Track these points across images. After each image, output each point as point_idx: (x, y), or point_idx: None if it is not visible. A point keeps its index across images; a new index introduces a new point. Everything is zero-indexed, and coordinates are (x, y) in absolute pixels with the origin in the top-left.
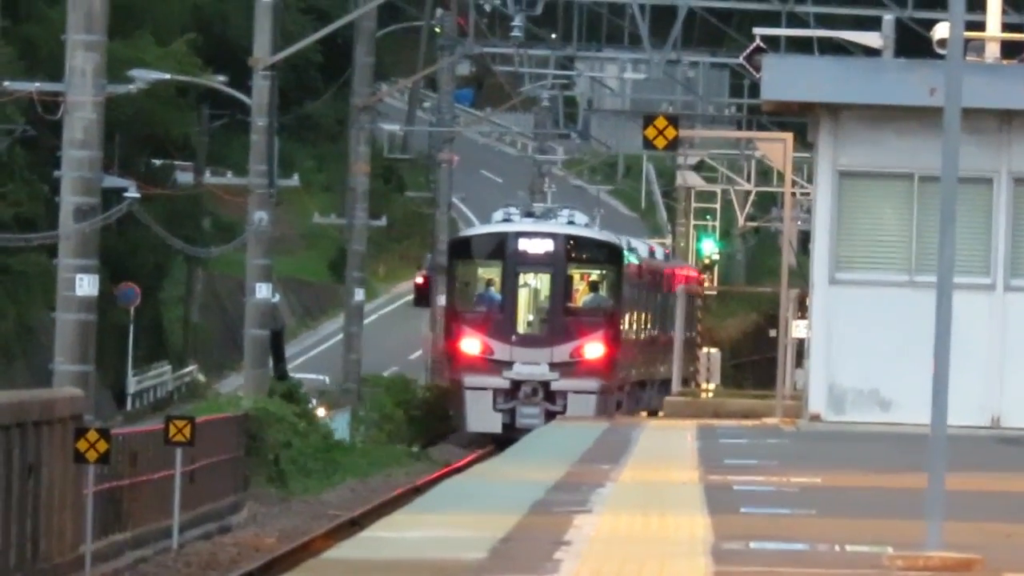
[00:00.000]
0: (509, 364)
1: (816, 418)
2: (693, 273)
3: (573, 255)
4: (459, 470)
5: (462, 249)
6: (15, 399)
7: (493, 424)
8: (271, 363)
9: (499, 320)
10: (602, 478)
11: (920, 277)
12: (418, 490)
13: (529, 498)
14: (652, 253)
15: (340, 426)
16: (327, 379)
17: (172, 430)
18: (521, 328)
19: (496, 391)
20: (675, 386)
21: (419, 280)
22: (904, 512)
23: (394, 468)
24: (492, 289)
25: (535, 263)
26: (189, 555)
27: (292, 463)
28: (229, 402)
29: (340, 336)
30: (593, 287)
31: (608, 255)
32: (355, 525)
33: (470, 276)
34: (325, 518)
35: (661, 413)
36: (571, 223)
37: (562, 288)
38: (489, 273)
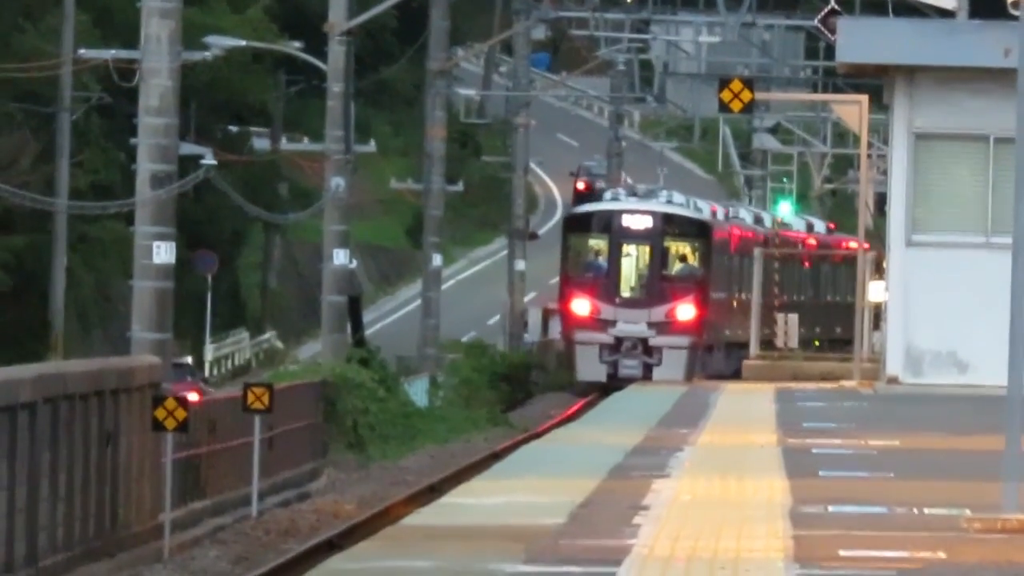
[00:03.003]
0: (613, 323)
1: (894, 380)
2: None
3: (668, 230)
4: (538, 435)
5: (575, 224)
6: (93, 368)
7: (599, 374)
8: (349, 329)
9: (605, 285)
10: (680, 442)
11: (997, 238)
12: (497, 456)
13: (608, 462)
14: (759, 220)
15: (419, 392)
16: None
17: (250, 397)
18: (624, 292)
19: (602, 346)
20: (753, 349)
21: (580, 185)
22: (981, 474)
23: (473, 433)
24: (600, 258)
25: (636, 236)
26: (268, 522)
27: (370, 429)
28: (307, 369)
29: (418, 302)
30: (684, 258)
31: (699, 230)
32: (434, 491)
33: (581, 247)
34: (404, 484)
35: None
36: (669, 202)
37: (659, 258)
38: (597, 245)
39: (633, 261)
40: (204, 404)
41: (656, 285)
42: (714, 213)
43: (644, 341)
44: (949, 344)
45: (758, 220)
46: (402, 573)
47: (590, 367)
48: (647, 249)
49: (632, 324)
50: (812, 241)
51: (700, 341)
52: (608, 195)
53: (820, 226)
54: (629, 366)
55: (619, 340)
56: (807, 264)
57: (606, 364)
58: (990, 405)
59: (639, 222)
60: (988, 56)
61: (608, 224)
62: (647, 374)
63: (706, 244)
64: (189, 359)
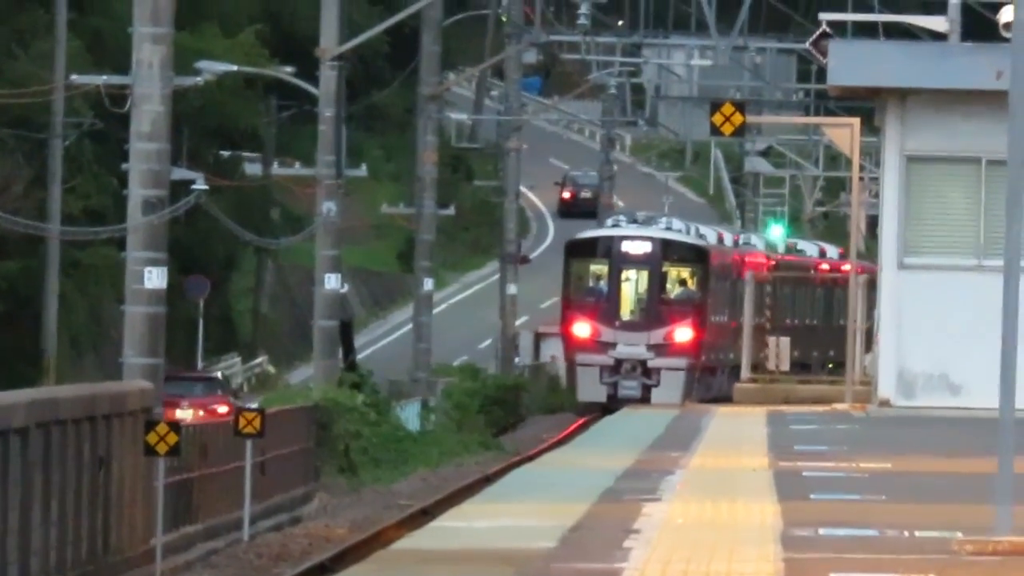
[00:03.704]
0: (613, 345)
1: (886, 403)
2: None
3: (667, 255)
4: (530, 459)
5: (577, 248)
6: (85, 393)
7: (599, 394)
8: (341, 353)
9: (606, 308)
10: (672, 465)
11: (989, 261)
12: (488, 479)
13: (599, 486)
14: (737, 242)
15: (410, 416)
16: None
17: (242, 422)
18: (624, 315)
19: (602, 367)
20: (744, 372)
21: (566, 195)
22: (974, 497)
23: (464, 457)
24: (601, 283)
25: (635, 261)
26: (260, 546)
27: (362, 453)
28: (299, 393)
29: (409, 326)
30: (683, 282)
31: (696, 255)
32: (426, 515)
33: (583, 271)
34: (396, 508)
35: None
36: (668, 228)
37: (658, 282)
38: (598, 269)
39: (633, 285)
40: (196, 428)
41: (655, 309)
42: (721, 239)
43: (643, 363)
44: (941, 367)
45: (770, 247)
46: None
47: (591, 388)
48: (646, 274)
49: (632, 346)
50: (825, 267)
51: (698, 363)
52: (609, 222)
53: (832, 251)
54: (628, 387)
55: (619, 362)
56: (806, 288)
57: (606, 385)
58: (983, 428)
59: (639, 248)
60: (980, 79)
61: (608, 249)
62: (646, 395)
63: (704, 269)
64: (220, 373)
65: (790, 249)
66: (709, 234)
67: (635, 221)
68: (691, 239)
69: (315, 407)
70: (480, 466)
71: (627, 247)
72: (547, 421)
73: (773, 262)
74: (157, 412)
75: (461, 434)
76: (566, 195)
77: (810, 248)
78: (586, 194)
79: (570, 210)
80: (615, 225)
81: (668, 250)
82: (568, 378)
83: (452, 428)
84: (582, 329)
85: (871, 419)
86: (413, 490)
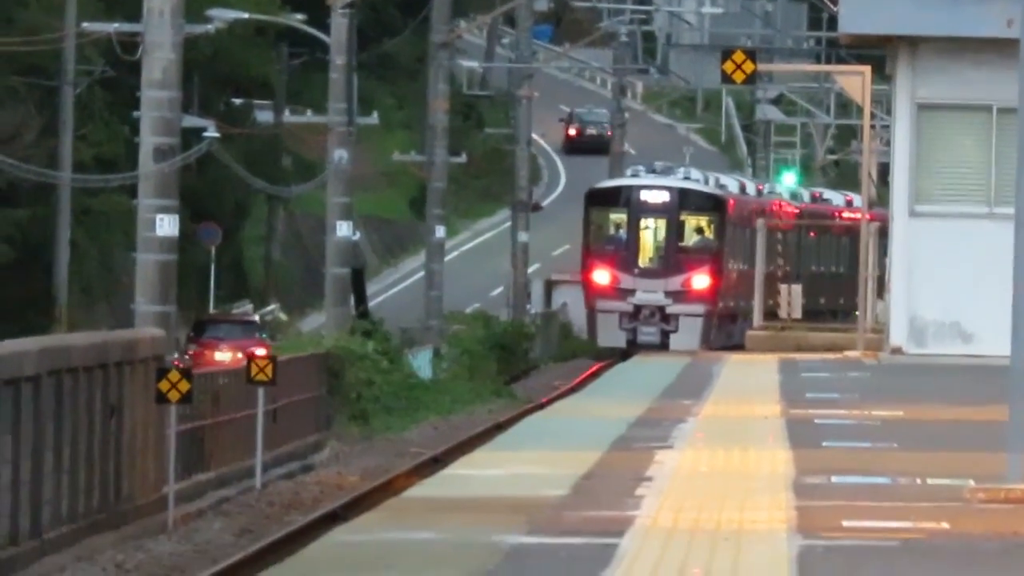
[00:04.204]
0: (632, 292)
1: (897, 351)
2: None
3: (684, 204)
4: (542, 407)
5: (596, 198)
6: (97, 340)
7: (619, 340)
8: (353, 301)
9: (625, 256)
10: (684, 413)
11: (1000, 209)
12: (500, 427)
13: (611, 434)
14: (760, 192)
15: (422, 364)
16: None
17: (254, 369)
18: (643, 263)
19: (622, 313)
20: (756, 320)
21: (572, 132)
22: (985, 445)
23: (476, 405)
24: (620, 231)
25: (654, 210)
26: (272, 494)
27: (374, 401)
28: (311, 341)
29: (421, 274)
30: (700, 231)
31: (713, 205)
32: (437, 463)
33: (602, 220)
34: (407, 456)
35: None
36: (686, 178)
37: (675, 231)
38: (617, 218)
39: (651, 234)
40: (207, 376)
41: (673, 256)
42: (743, 188)
43: (662, 309)
44: (953, 314)
45: (795, 196)
46: (405, 545)
47: (611, 334)
48: (664, 222)
49: (650, 293)
50: (848, 215)
51: (715, 309)
52: (629, 172)
53: (859, 201)
54: (648, 333)
55: (638, 308)
56: (814, 235)
57: (626, 331)
58: (994, 375)
59: (656, 196)
60: (991, 27)
61: (628, 199)
62: (665, 341)
63: (720, 218)
64: (257, 317)
65: (815, 199)
66: (731, 184)
67: (653, 171)
68: (708, 188)
69: (327, 355)
70: (492, 414)
71: (645, 196)
72: (559, 369)
73: (797, 211)
74: (168, 359)
75: (473, 382)
76: (572, 132)
77: (836, 198)
78: (592, 131)
79: (576, 147)
80: (634, 175)
81: (686, 199)
82: (588, 324)
83: (464, 376)
84: (602, 276)
85: (883, 367)
86: (425, 438)
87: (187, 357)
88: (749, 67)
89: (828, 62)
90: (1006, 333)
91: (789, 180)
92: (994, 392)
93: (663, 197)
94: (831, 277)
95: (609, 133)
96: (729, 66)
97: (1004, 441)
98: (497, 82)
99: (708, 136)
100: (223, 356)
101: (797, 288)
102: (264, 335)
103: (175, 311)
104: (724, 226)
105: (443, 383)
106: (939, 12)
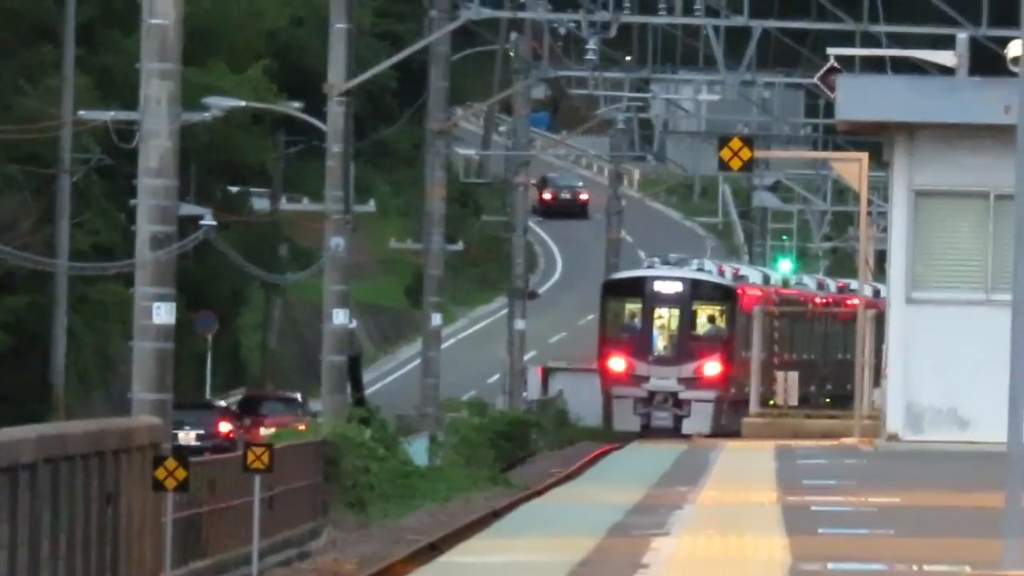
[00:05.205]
0: (647, 378)
1: (894, 437)
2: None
3: (696, 295)
4: (538, 494)
5: (613, 288)
6: (94, 428)
7: (633, 424)
8: (349, 389)
9: (639, 344)
10: (680, 500)
11: (997, 295)
12: (497, 514)
13: (607, 521)
14: (767, 279)
15: (418, 451)
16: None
17: (250, 457)
18: (656, 350)
19: (636, 399)
20: (753, 406)
21: (546, 196)
22: (982, 531)
23: (473, 492)
24: (635, 320)
25: (667, 300)
26: None
27: (370, 488)
28: (308, 428)
29: (417, 361)
30: (711, 319)
31: (724, 295)
32: (434, 550)
33: (619, 309)
34: (404, 543)
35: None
36: (700, 270)
37: (688, 320)
38: (633, 307)
39: (665, 322)
40: (204, 464)
41: (685, 344)
42: (766, 279)
43: (675, 395)
44: (950, 401)
45: (766, 280)
46: None
47: (625, 418)
48: (677, 311)
49: (664, 380)
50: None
51: (726, 395)
52: (645, 263)
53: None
54: (661, 418)
55: (652, 394)
56: (813, 322)
57: (640, 416)
58: (991, 462)
59: (670, 287)
60: (988, 113)
61: (643, 289)
62: (677, 425)
63: (731, 307)
64: (299, 395)
65: (790, 283)
66: (752, 274)
67: (667, 263)
68: (719, 279)
69: (323, 442)
70: (488, 501)
71: (660, 287)
72: (556, 456)
73: (764, 295)
74: (165, 447)
75: (469, 469)
76: (547, 196)
77: (832, 285)
78: (566, 195)
79: (550, 211)
80: (650, 267)
81: (697, 290)
82: (604, 409)
83: (460, 463)
84: (617, 363)
85: (879, 453)
86: (421, 525)
87: (242, 433)
88: (746, 154)
89: (825, 149)
90: (1003, 419)
91: (785, 267)
92: (991, 478)
93: (676, 288)
94: (813, 365)
95: (582, 197)
96: (726, 153)
97: (1001, 527)
98: (494, 169)
99: (705, 222)
100: (268, 432)
101: (793, 375)
102: (304, 411)
103: (172, 399)
104: (734, 315)
105: (439, 470)
106: (936, 99)
